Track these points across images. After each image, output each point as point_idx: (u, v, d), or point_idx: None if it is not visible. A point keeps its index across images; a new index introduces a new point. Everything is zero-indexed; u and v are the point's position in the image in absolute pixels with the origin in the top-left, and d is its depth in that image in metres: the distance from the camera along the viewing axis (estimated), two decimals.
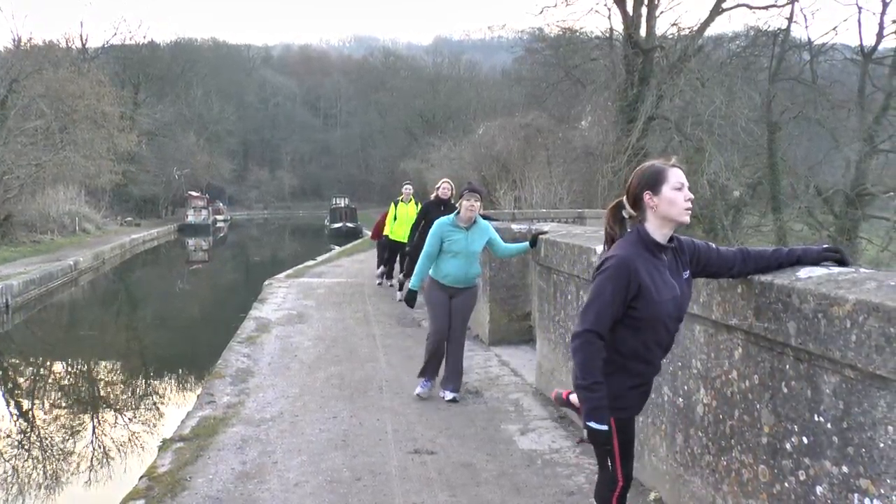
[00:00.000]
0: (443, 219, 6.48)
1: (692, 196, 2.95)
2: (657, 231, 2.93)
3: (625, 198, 3.01)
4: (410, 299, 6.56)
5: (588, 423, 2.87)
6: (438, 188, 9.96)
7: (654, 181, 2.90)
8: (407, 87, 78.05)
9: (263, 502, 4.39)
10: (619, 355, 2.95)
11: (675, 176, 2.90)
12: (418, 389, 6.56)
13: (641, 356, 2.98)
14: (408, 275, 12.32)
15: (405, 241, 10.99)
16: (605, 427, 2.86)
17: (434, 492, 4.51)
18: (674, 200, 2.88)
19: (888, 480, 2.36)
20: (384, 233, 13.18)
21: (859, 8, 28.72)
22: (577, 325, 2.93)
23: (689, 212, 2.94)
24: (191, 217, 54.72)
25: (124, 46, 60.32)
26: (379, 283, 13.91)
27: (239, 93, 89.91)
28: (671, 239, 2.98)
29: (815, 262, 3.01)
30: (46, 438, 8.57)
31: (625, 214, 3.02)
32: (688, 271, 3.04)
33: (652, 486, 4.24)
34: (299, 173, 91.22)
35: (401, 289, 12.41)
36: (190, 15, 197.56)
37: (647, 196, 2.91)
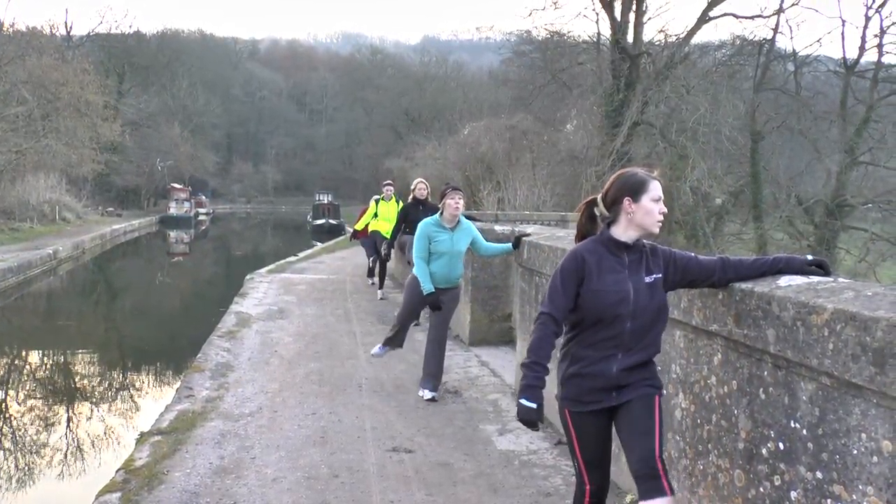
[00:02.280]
0: (427, 220, 6.50)
1: (666, 210, 3.09)
2: (623, 234, 3.04)
3: (600, 197, 3.12)
4: (434, 301, 6.42)
5: (519, 400, 2.97)
6: (414, 188, 9.96)
7: (636, 189, 3.01)
8: (393, 86, 77.89)
9: (241, 497, 4.38)
10: (567, 340, 3.09)
11: (656, 188, 3.03)
12: (375, 350, 6.92)
13: (584, 341, 3.04)
14: (381, 269, 12.46)
15: (387, 236, 11.00)
16: (533, 405, 2.94)
17: (411, 490, 4.52)
18: (650, 211, 3.00)
19: (860, 486, 2.40)
20: (356, 227, 13.10)
21: (843, 21, 29.31)
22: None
23: (661, 224, 3.05)
24: (173, 209, 54.35)
25: (110, 35, 59.97)
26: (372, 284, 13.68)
27: (225, 85, 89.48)
28: (644, 245, 3.08)
29: (798, 273, 3.02)
30: (20, 430, 8.49)
31: (596, 212, 3.13)
32: (656, 275, 3.06)
33: (629, 488, 4.27)
34: (283, 168, 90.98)
35: (381, 287, 12.41)
36: (177, 6, 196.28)
37: (626, 201, 3.01)
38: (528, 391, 2.95)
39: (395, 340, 6.81)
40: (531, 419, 2.96)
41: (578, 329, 3.06)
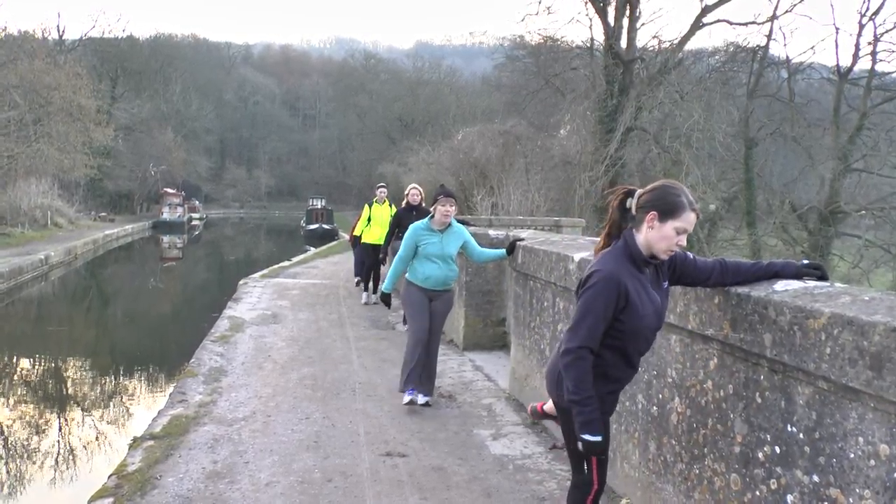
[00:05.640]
0: (417, 223, 6.45)
1: (684, 244, 2.94)
2: (640, 244, 2.95)
3: (638, 192, 2.98)
4: (386, 301, 6.54)
5: (583, 436, 2.91)
6: (408, 194, 9.93)
7: (669, 210, 2.87)
8: (386, 91, 78.00)
9: (234, 502, 4.35)
10: (601, 361, 2.97)
11: (687, 221, 2.88)
12: (406, 398, 6.24)
13: (621, 364, 3.04)
14: (375, 274, 12.38)
15: (379, 242, 10.94)
16: (598, 438, 2.91)
17: (405, 495, 4.50)
18: (666, 237, 2.88)
19: (857, 490, 2.39)
20: (354, 233, 13.06)
21: (836, 29, 29.37)
22: (567, 341, 2.94)
23: (671, 254, 2.95)
24: (166, 214, 54.40)
25: (103, 39, 59.92)
26: (357, 285, 13.71)
27: (218, 90, 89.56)
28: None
29: (794, 277, 3.00)
30: (12, 436, 8.43)
31: (629, 205, 2.98)
32: (666, 282, 3.09)
33: (624, 492, 4.26)
34: (276, 173, 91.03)
35: (374, 292, 12.36)
36: (170, 10, 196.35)
37: (650, 215, 2.89)
38: (590, 426, 2.89)
39: (414, 377, 6.31)
40: (600, 450, 2.95)
41: (613, 350, 2.99)
